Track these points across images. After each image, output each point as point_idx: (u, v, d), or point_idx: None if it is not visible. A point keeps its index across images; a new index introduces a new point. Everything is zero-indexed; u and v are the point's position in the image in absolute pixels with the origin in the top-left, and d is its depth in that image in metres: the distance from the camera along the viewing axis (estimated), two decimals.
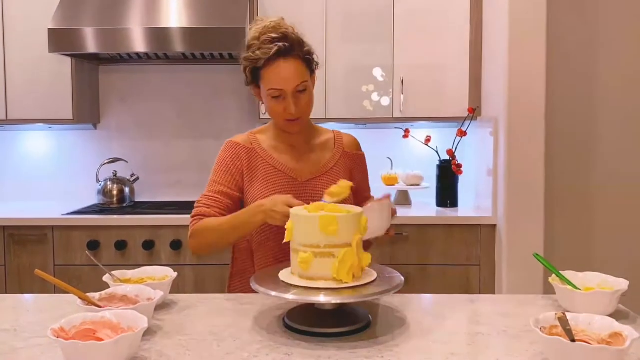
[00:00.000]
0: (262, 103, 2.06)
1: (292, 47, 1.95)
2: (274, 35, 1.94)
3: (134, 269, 1.92)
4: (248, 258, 2.11)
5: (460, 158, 3.88)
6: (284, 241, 1.62)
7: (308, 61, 2.00)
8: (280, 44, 1.93)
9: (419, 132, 4.01)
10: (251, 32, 2.01)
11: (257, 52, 1.95)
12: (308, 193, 2.05)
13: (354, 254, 1.55)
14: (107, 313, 1.43)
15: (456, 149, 3.86)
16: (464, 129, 3.79)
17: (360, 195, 2.14)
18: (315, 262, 1.54)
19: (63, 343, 1.28)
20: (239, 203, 2.08)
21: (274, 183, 2.04)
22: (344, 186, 1.80)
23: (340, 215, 1.55)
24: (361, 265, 1.59)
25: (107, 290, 1.67)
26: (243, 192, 2.08)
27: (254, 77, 2.01)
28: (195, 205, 2.08)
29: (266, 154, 2.10)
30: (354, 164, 2.19)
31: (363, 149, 2.27)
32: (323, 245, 1.54)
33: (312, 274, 1.55)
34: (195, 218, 2.05)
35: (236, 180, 2.07)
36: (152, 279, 1.85)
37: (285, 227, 1.62)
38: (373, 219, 1.76)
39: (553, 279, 1.75)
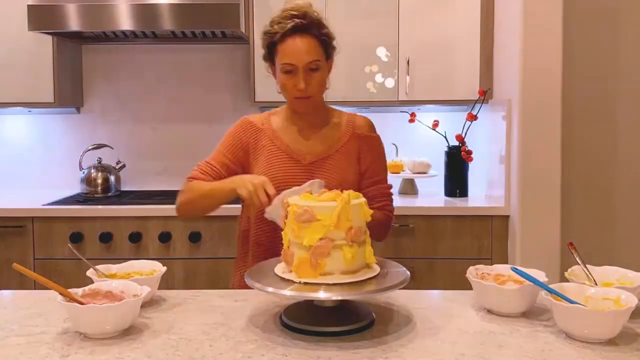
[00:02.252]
0: (277, 82, 2.20)
1: (309, 26, 2.11)
2: (293, 12, 2.11)
3: (119, 262, 1.92)
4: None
5: (470, 144, 3.87)
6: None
7: (325, 43, 2.17)
8: (298, 20, 2.09)
9: (426, 116, 3.99)
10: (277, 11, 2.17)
11: (275, 27, 2.11)
12: (309, 175, 2.13)
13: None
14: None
15: (466, 134, 3.85)
16: (474, 112, 3.78)
17: (368, 179, 2.24)
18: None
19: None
20: (238, 172, 2.21)
21: (276, 164, 2.18)
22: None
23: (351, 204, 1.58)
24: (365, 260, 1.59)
25: (90, 286, 1.66)
26: (245, 169, 2.21)
27: (270, 52, 2.16)
28: (193, 168, 2.23)
29: (273, 135, 2.24)
30: (364, 146, 2.26)
31: None
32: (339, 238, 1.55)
33: (327, 269, 1.56)
34: (188, 179, 2.21)
35: (238, 155, 2.22)
36: (139, 274, 1.85)
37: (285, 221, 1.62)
38: None
39: (570, 274, 1.75)
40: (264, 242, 2.16)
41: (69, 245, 2.18)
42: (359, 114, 2.38)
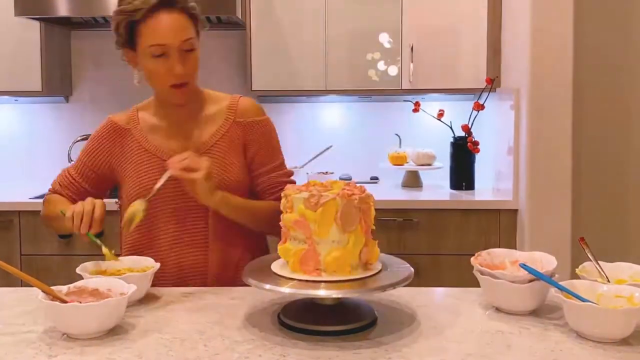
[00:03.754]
0: (138, 70, 2.01)
1: None
2: None
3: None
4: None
5: (477, 134, 3.86)
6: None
7: (194, 17, 1.97)
8: None
9: (430, 106, 3.99)
10: None
11: (136, 2, 1.89)
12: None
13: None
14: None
15: (472, 124, 3.84)
16: (481, 101, 3.77)
17: (257, 170, 2.10)
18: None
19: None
20: (106, 183, 2.14)
21: (145, 167, 2.04)
22: (135, 209, 1.85)
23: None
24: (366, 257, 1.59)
25: (76, 283, 1.65)
26: (113, 179, 2.13)
27: (130, 34, 1.93)
28: (56, 177, 2.16)
29: (141, 135, 2.08)
30: (249, 134, 2.09)
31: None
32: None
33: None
34: (49, 190, 2.16)
35: (101, 165, 2.10)
36: (130, 271, 1.84)
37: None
38: None
39: (581, 270, 1.74)
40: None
41: (87, 236, 2.00)
42: (243, 96, 2.19)
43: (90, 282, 1.66)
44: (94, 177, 2.10)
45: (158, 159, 2.03)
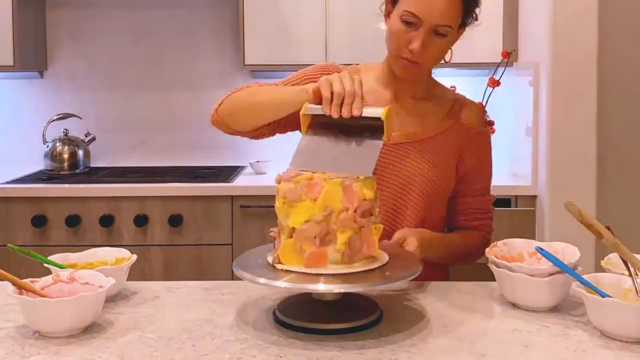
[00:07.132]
0: (387, 27, 2.00)
1: None
2: None
3: (88, 249, 1.90)
4: None
5: (492, 113, 3.84)
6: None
7: (467, 8, 1.94)
8: None
9: (441, 82, 3.96)
10: None
11: None
12: (390, 159, 1.99)
13: None
14: None
15: (487, 102, 3.83)
16: (496, 77, 3.76)
17: (467, 186, 2.09)
18: None
19: None
20: (292, 126, 2.03)
21: None
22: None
23: None
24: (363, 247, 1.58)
25: (52, 275, 1.65)
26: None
27: None
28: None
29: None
30: (469, 144, 2.09)
31: None
32: None
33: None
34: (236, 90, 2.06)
35: None
36: (103, 264, 1.82)
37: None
38: None
39: (606, 263, 1.74)
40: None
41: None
42: (468, 98, 2.20)
43: (72, 274, 1.65)
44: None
45: None
